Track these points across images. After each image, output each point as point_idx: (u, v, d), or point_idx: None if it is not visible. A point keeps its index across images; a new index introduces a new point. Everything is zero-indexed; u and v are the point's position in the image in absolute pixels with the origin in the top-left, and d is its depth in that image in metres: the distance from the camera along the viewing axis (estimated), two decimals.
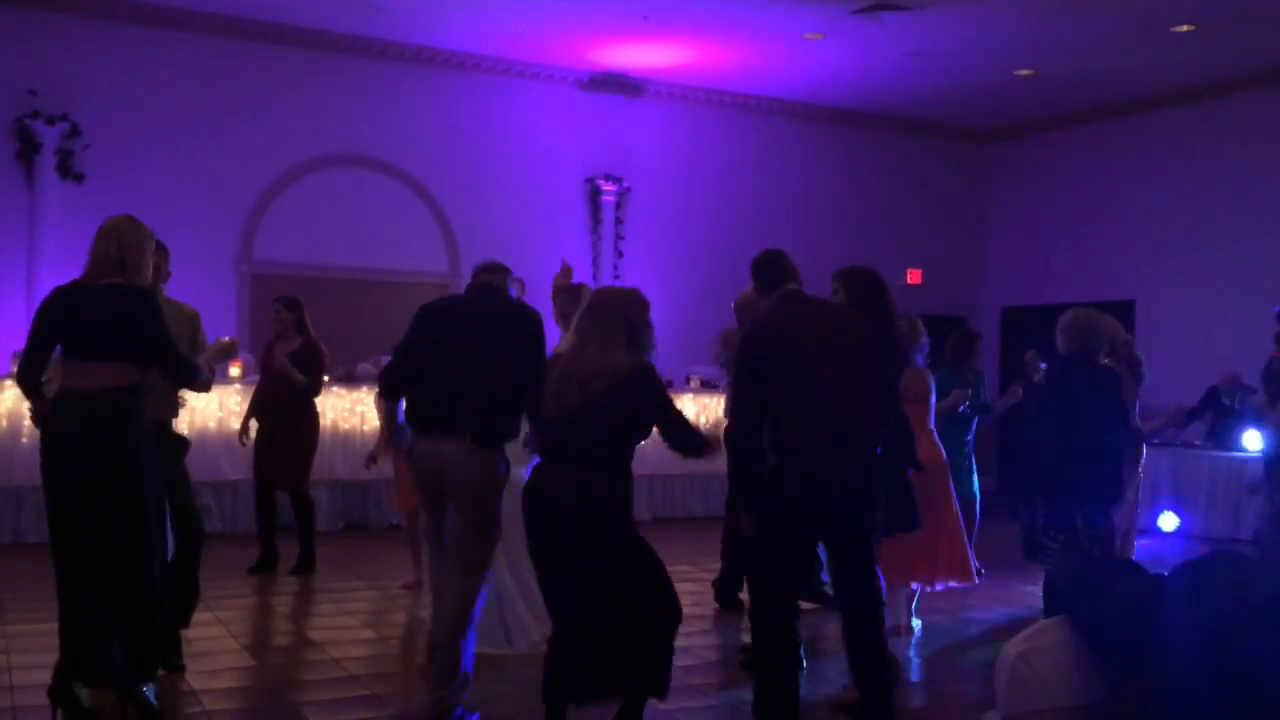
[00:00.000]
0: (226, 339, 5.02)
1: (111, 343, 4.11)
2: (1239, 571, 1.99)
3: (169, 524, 4.33)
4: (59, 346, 4.23)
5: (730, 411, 4.58)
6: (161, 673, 4.50)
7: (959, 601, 7.05)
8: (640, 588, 3.89)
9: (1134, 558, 6.42)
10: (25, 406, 7.96)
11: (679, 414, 4.05)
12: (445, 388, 4.28)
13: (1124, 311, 11.83)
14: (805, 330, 4.16)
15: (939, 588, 6.00)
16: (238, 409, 8.30)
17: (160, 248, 4.92)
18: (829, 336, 4.16)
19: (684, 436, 4.04)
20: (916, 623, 6.20)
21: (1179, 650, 1.90)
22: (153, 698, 4.18)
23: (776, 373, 4.10)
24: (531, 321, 4.37)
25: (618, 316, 3.96)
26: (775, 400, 4.11)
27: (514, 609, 5.43)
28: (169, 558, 4.34)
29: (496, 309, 4.45)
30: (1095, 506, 5.23)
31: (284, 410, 7.29)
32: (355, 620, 6.16)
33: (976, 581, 6.09)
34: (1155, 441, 9.94)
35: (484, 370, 4.25)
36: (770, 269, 4.36)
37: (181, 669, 4.92)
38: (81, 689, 4.07)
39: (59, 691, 4.12)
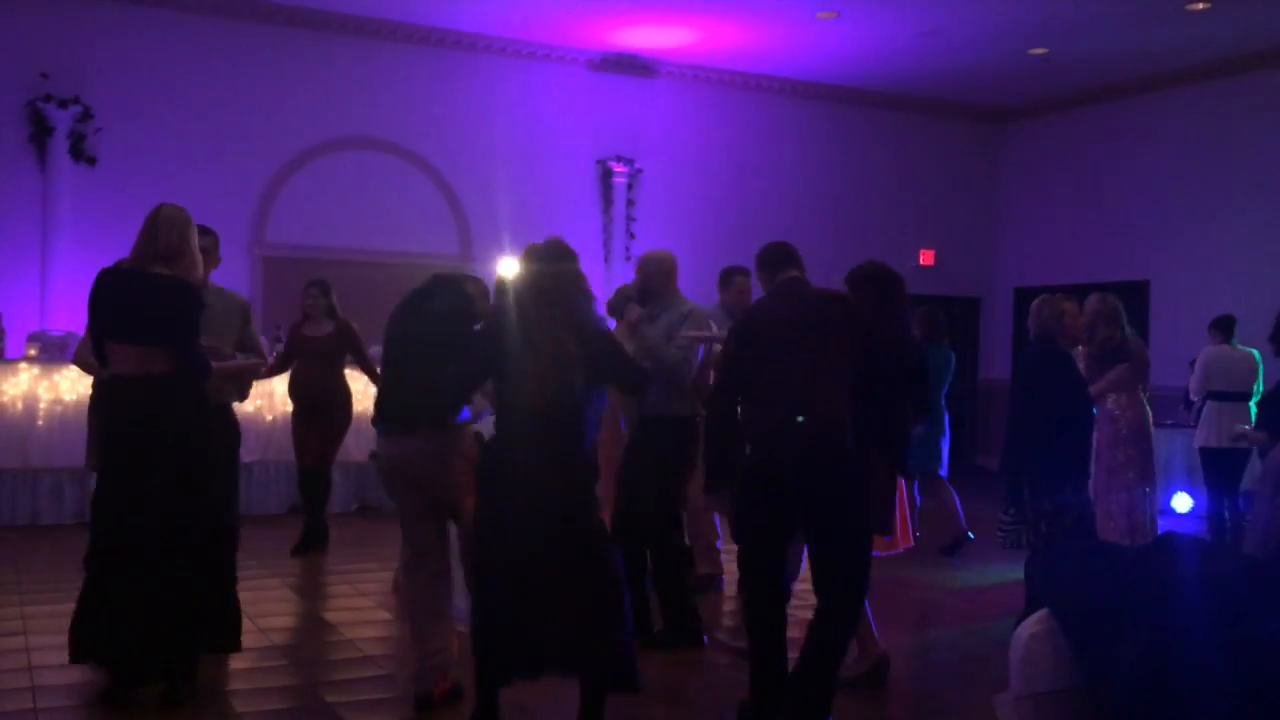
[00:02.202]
0: (253, 362, 5.14)
1: (153, 329, 4.24)
2: (1193, 556, 1.99)
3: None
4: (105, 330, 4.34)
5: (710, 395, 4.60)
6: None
7: (971, 582, 7.06)
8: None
9: (1148, 539, 6.41)
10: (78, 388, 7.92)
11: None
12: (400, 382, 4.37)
13: (1139, 292, 11.80)
14: (780, 317, 4.13)
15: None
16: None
17: (210, 233, 5.06)
18: (803, 324, 4.08)
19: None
20: None
21: (1141, 636, 1.91)
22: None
23: (747, 359, 4.10)
24: (461, 304, 4.41)
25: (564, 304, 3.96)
26: (747, 387, 4.13)
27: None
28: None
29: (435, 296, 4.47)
30: (1048, 485, 5.35)
31: (321, 391, 7.41)
32: (370, 601, 6.19)
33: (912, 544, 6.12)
34: (1169, 423, 9.92)
35: (423, 360, 4.28)
36: (771, 257, 4.36)
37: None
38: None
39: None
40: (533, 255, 4.06)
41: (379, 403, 4.47)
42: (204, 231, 4.98)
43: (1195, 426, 8.41)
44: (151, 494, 4.18)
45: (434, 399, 4.18)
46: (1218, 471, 8.12)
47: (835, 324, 4.07)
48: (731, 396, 4.16)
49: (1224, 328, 8.37)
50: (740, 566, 4.13)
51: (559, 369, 3.82)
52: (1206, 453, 8.15)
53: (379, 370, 4.48)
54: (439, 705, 4.29)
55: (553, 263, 4.02)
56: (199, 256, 4.44)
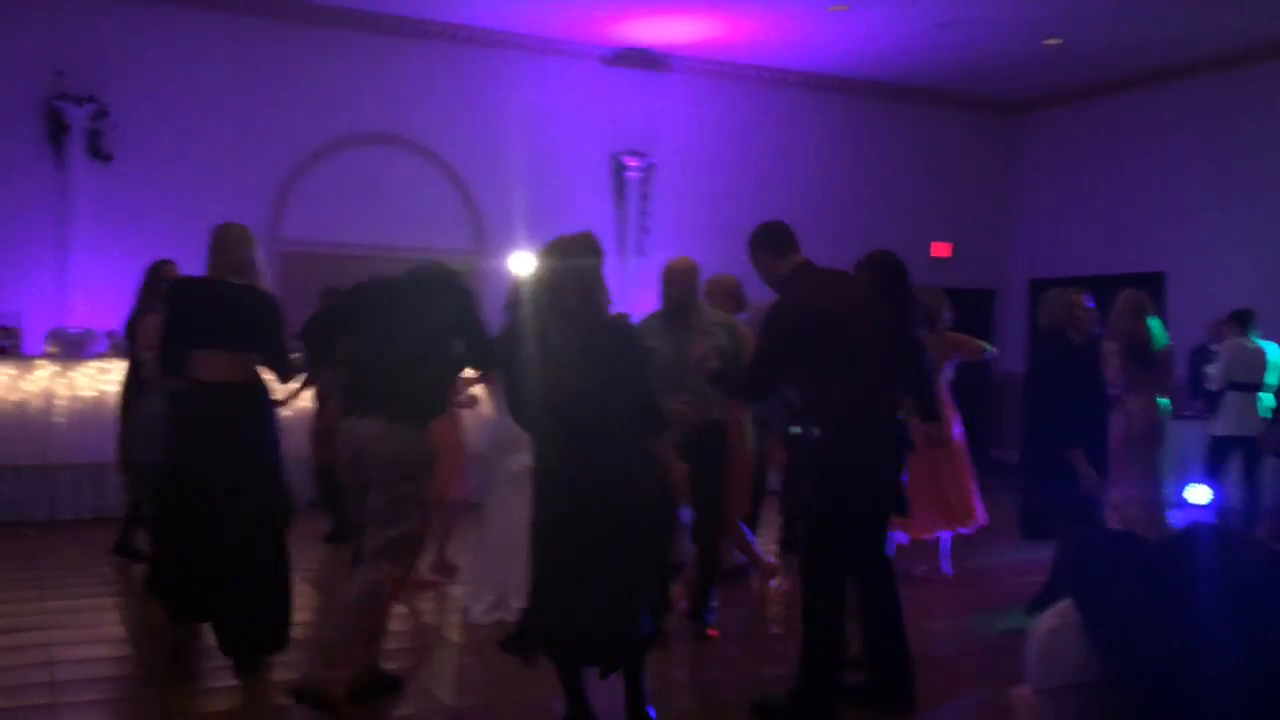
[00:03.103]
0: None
1: (246, 337, 4.55)
2: (1217, 547, 1.98)
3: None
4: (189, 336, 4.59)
5: (746, 378, 4.55)
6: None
7: (989, 572, 7.05)
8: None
9: (1160, 529, 6.41)
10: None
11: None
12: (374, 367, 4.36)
13: (1154, 283, 11.73)
14: (837, 299, 4.21)
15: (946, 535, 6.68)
16: None
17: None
18: (857, 305, 4.22)
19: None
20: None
21: (1163, 630, 1.90)
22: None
23: (811, 342, 4.12)
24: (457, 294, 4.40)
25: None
26: (810, 369, 4.13)
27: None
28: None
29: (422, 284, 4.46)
30: (1063, 476, 5.36)
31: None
32: None
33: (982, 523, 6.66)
34: (1187, 414, 9.92)
35: (405, 347, 4.28)
36: (780, 236, 4.35)
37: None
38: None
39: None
40: (557, 249, 4.02)
41: (349, 384, 4.44)
42: None
43: (1210, 416, 8.69)
44: (228, 493, 4.47)
45: (420, 387, 4.22)
46: (1231, 460, 8.44)
47: (885, 314, 4.27)
48: (774, 385, 4.24)
49: (1243, 320, 8.56)
50: (821, 554, 4.16)
51: (574, 367, 3.82)
52: (1224, 441, 8.32)
53: (354, 352, 4.44)
54: (378, 693, 4.31)
55: (575, 258, 3.99)
56: (266, 272, 4.75)
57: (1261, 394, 8.46)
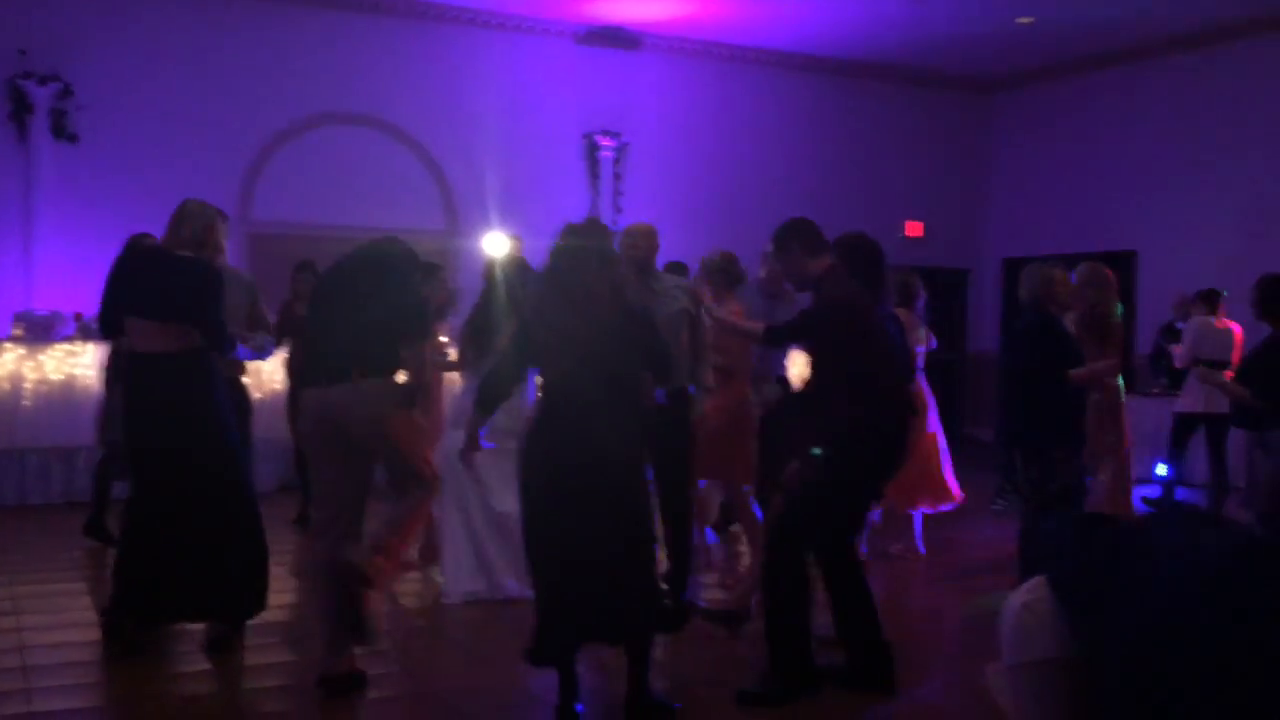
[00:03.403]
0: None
1: (175, 307, 4.50)
2: (1193, 530, 2.00)
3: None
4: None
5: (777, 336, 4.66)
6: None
7: (963, 550, 7.10)
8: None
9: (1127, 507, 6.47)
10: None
11: None
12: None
13: (1125, 262, 11.81)
14: (871, 304, 4.37)
15: (925, 511, 6.80)
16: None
17: (222, 217, 5.21)
18: (882, 310, 4.51)
19: None
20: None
21: (1134, 610, 1.91)
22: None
23: (858, 341, 4.22)
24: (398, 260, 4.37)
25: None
26: (856, 367, 4.21)
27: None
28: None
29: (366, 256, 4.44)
30: (1039, 453, 5.38)
31: None
32: None
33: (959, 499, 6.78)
34: (1154, 392, 10.01)
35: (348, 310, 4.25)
36: (817, 234, 4.40)
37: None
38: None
39: (112, 627, 4.59)
40: (571, 232, 4.10)
41: (307, 358, 4.44)
42: (225, 218, 5.28)
43: (1177, 394, 8.76)
44: (181, 462, 4.48)
45: (365, 348, 4.16)
46: (1193, 437, 8.54)
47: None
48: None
49: (1210, 300, 8.67)
50: (802, 533, 4.20)
51: (574, 346, 3.86)
52: (1188, 418, 8.52)
53: (310, 325, 4.41)
54: (344, 688, 4.21)
55: (575, 239, 4.05)
56: (223, 250, 4.75)
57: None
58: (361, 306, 4.17)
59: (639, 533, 3.94)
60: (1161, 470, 9.66)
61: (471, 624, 5.35)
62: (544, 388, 4.03)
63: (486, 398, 4.15)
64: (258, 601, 4.72)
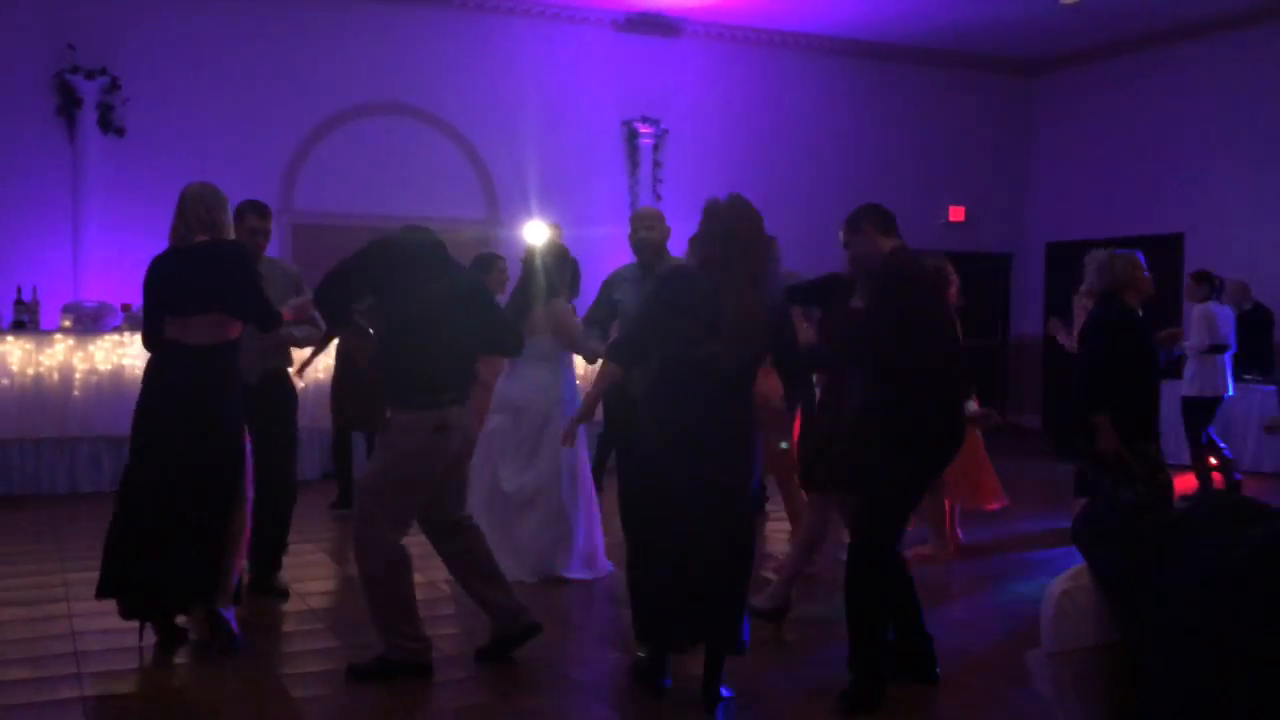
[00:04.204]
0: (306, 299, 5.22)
1: (210, 295, 4.40)
2: (1233, 517, 1.97)
3: (249, 473, 4.61)
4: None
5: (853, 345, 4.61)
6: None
7: (1004, 539, 7.05)
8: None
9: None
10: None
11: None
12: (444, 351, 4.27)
13: (1173, 245, 11.64)
14: (933, 285, 4.37)
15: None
16: None
17: (263, 208, 5.33)
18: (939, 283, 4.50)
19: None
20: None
21: (1176, 599, 1.89)
22: (233, 623, 4.55)
23: (935, 312, 4.23)
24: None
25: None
26: (920, 339, 4.17)
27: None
28: (248, 504, 4.62)
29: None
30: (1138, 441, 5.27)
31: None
32: None
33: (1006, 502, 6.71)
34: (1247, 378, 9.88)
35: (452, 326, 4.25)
36: (889, 216, 4.38)
37: (286, 595, 5.47)
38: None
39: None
40: (722, 213, 4.06)
41: (431, 369, 4.21)
42: (269, 212, 5.38)
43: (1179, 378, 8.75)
44: (187, 455, 4.38)
45: (468, 365, 4.25)
46: (1204, 419, 8.56)
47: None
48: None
49: (1211, 282, 8.76)
50: (891, 520, 4.16)
51: (743, 330, 3.87)
52: (1193, 402, 8.56)
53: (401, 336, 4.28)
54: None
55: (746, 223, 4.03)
56: (229, 230, 4.59)
57: (1227, 355, 8.70)
58: (445, 319, 4.20)
59: (745, 539, 3.98)
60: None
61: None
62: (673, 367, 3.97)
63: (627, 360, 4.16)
64: (201, 587, 4.52)
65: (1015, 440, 11.68)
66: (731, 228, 3.96)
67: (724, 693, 4.03)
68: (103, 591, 4.50)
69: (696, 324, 3.87)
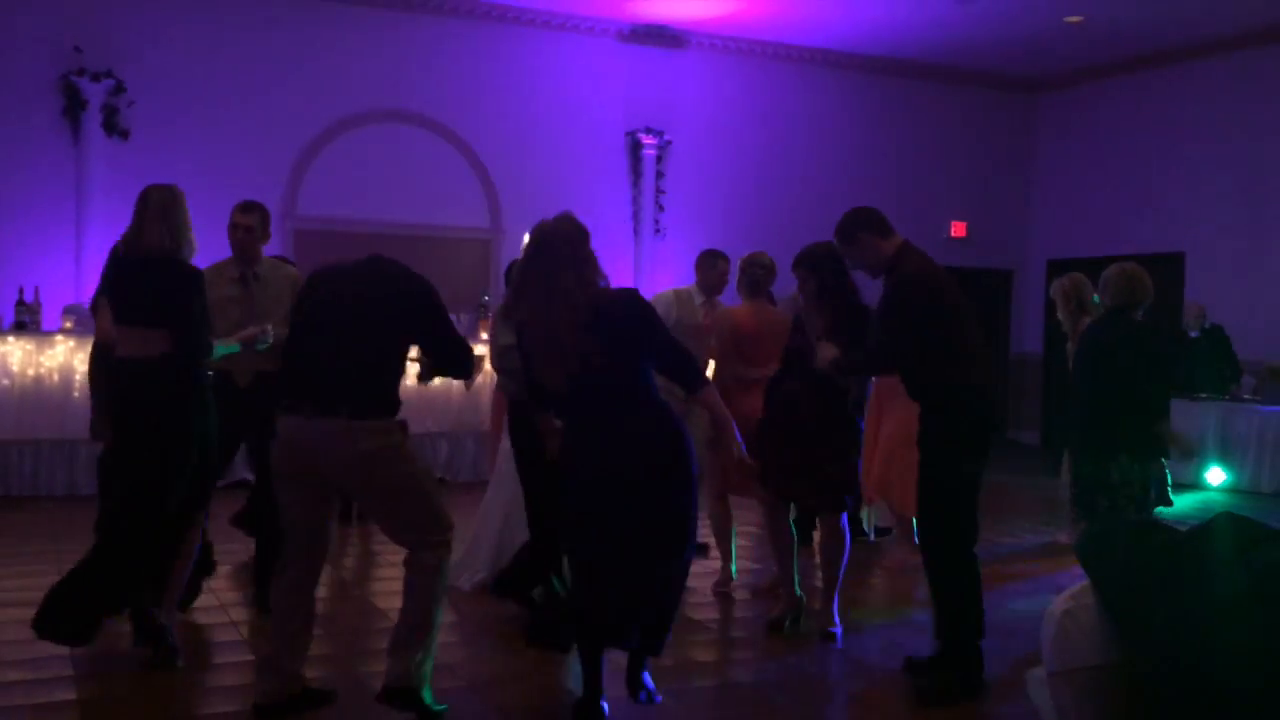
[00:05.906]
0: (256, 331, 4.94)
1: (154, 312, 4.27)
2: (1244, 536, 1.97)
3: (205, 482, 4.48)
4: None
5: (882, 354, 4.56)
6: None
7: (1002, 556, 7.04)
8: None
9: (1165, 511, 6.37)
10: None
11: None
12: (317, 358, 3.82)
13: (1173, 264, 11.66)
14: (951, 279, 4.37)
15: None
16: None
17: (261, 209, 5.19)
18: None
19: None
20: None
21: (1188, 614, 1.89)
22: (171, 637, 4.47)
23: (955, 309, 4.22)
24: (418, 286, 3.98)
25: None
26: (936, 345, 4.20)
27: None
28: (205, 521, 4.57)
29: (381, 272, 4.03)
30: (1129, 459, 5.24)
31: None
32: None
33: None
34: (1203, 396, 9.88)
35: (358, 337, 3.79)
36: (882, 218, 4.39)
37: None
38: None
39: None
40: (538, 228, 4.08)
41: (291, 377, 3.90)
42: (253, 208, 5.15)
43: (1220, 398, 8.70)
44: (132, 468, 4.31)
45: (366, 379, 3.76)
46: None
47: None
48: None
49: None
50: (962, 516, 4.25)
51: (580, 341, 3.80)
52: None
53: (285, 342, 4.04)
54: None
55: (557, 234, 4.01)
56: (187, 232, 4.36)
57: None
58: (370, 336, 3.80)
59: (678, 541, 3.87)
60: (1219, 476, 9.55)
61: (481, 617, 5.38)
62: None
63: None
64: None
65: (1013, 457, 11.67)
66: (520, 264, 3.98)
67: (648, 682, 4.00)
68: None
69: (524, 355, 3.94)
